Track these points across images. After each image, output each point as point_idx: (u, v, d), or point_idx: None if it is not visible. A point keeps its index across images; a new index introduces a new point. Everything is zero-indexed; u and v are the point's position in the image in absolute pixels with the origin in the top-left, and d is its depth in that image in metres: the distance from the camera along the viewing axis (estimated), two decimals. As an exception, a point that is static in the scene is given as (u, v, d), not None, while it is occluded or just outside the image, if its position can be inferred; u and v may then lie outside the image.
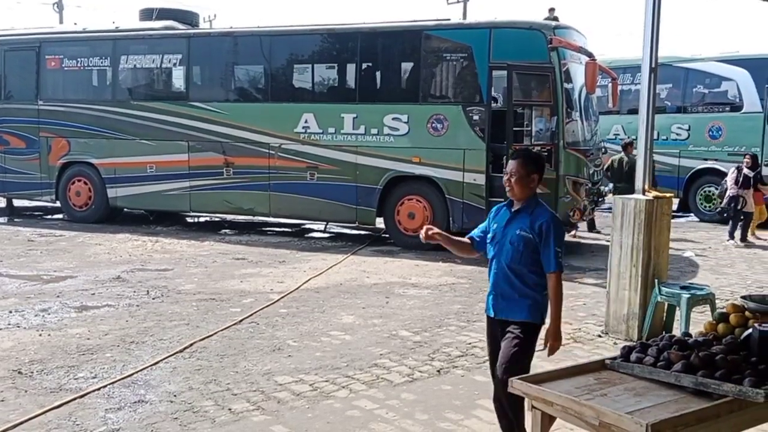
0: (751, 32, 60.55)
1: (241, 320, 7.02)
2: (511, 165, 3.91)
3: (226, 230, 13.41)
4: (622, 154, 12.77)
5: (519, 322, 3.85)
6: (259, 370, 5.60)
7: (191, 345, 6.21)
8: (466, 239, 4.21)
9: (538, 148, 10.45)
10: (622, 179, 12.10)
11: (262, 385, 5.30)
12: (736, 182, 12.28)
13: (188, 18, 14.90)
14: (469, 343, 6.37)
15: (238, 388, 5.23)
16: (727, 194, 12.48)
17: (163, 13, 14.36)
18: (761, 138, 14.41)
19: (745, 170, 12.26)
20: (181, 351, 6.04)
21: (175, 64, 13.16)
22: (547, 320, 3.93)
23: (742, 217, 12.47)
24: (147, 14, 14.60)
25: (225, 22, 45.60)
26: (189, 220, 14.65)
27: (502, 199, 11.35)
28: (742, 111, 14.90)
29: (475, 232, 4.15)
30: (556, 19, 12.44)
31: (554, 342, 3.84)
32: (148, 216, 14.24)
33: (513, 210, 3.94)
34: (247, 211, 12.83)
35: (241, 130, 12.33)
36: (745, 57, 15.14)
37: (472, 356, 6.02)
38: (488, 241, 3.99)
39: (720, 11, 71.44)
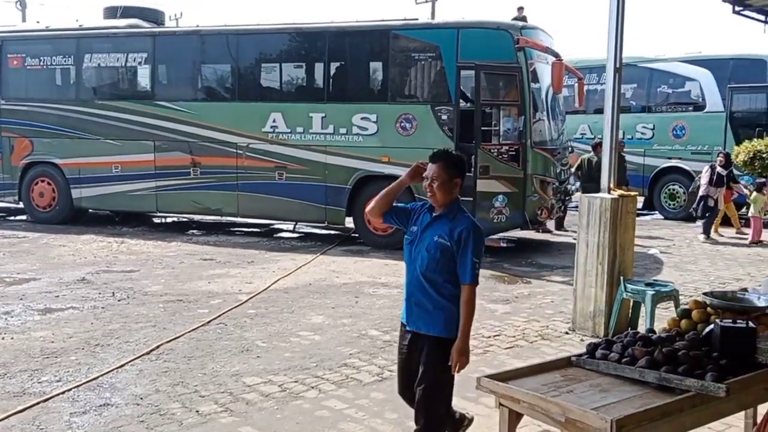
0: (713, 33, 61.77)
1: (208, 321, 6.96)
2: (431, 169, 3.62)
3: (194, 231, 13.28)
4: (592, 153, 12.94)
5: (433, 337, 3.60)
6: (227, 372, 5.56)
7: (158, 347, 6.13)
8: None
9: (507, 147, 10.55)
10: (592, 179, 12.25)
11: (231, 386, 5.26)
12: (710, 181, 12.45)
13: (153, 16, 14.71)
14: (439, 342, 6.38)
15: (206, 389, 5.18)
16: (700, 194, 12.65)
17: (128, 12, 14.16)
18: (723, 137, 14.69)
19: (719, 169, 12.44)
20: (147, 353, 5.97)
21: (140, 63, 12.99)
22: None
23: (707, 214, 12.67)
24: (111, 12, 14.39)
25: (191, 21, 45.16)
26: (156, 220, 14.48)
27: (471, 199, 11.47)
28: (705, 110, 15.20)
29: (399, 204, 3.88)
30: (524, 18, 12.56)
31: (460, 358, 3.50)
32: (114, 217, 14.03)
33: (434, 215, 3.68)
34: (214, 211, 12.72)
35: (209, 129, 12.22)
36: (708, 57, 15.46)
37: (441, 355, 6.04)
38: (406, 242, 3.75)
39: (683, 12, 72.76)
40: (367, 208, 3.96)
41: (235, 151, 12.05)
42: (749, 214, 12.78)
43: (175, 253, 10.80)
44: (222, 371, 5.57)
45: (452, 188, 3.62)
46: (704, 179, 12.58)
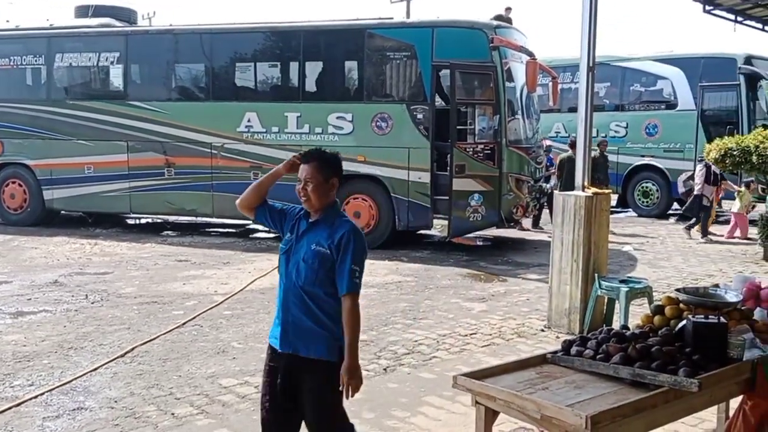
0: (685, 32, 62.62)
1: (184, 323, 6.89)
2: (304, 171, 3.26)
3: (168, 232, 13.16)
4: (570, 152, 13.06)
5: (315, 360, 3.15)
6: (202, 374, 5.51)
7: (132, 349, 6.07)
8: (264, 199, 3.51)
9: (482, 146, 10.60)
10: (574, 177, 12.35)
11: (206, 388, 5.21)
12: (707, 180, 12.55)
13: (126, 15, 14.57)
14: (416, 341, 6.40)
15: (182, 392, 5.14)
16: (695, 192, 12.74)
17: (100, 10, 14.02)
18: (695, 135, 14.90)
19: (714, 167, 12.50)
20: (122, 356, 5.90)
21: (112, 63, 12.85)
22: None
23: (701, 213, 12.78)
24: (83, 11, 14.23)
25: (165, 20, 44.74)
26: (129, 221, 14.33)
27: (447, 197, 11.49)
28: (677, 109, 15.40)
29: (276, 204, 3.50)
30: (509, 19, 12.60)
31: (350, 380, 3.09)
32: (87, 218, 13.86)
33: (310, 221, 3.30)
34: (189, 211, 12.62)
35: (183, 129, 12.12)
36: (679, 56, 15.66)
37: (418, 354, 6.05)
38: (281, 251, 3.34)
39: (655, 12, 73.63)
40: (237, 200, 3.56)
41: (209, 151, 11.97)
42: (732, 211, 12.95)
43: (150, 254, 10.69)
44: (198, 373, 5.53)
45: (328, 190, 3.27)
46: (699, 178, 12.63)
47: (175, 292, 8.27)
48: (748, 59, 14.59)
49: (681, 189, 13.06)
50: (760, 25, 10.93)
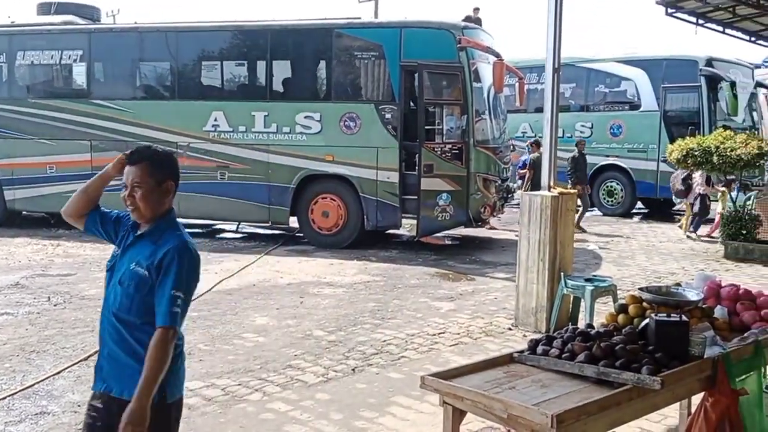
0: (649, 34, 63.59)
1: (149, 325, 6.80)
2: (131, 174, 2.74)
3: (134, 232, 12.96)
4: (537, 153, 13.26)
5: (129, 402, 2.58)
6: (169, 376, 5.44)
7: (96, 353, 5.96)
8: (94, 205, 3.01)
9: (450, 145, 10.65)
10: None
11: (173, 391, 5.15)
12: (707, 182, 12.71)
13: (89, 13, 14.35)
14: (384, 341, 6.41)
15: (147, 395, 5.07)
16: (695, 192, 12.87)
17: (63, 8, 13.78)
18: (658, 135, 15.15)
19: None
20: (85, 359, 5.80)
21: (75, 61, 12.65)
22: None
23: (695, 213, 12.95)
24: (45, 9, 13.98)
25: (129, 18, 44.14)
26: (94, 222, 14.07)
27: (415, 197, 11.49)
28: (641, 109, 15.63)
29: (111, 212, 3.01)
30: (478, 20, 12.66)
31: (129, 426, 2.50)
32: (49, 219, 13.59)
33: (137, 234, 2.81)
34: (155, 212, 12.43)
35: (147, 128, 11.97)
36: (642, 58, 15.90)
37: (386, 353, 6.06)
38: (106, 268, 2.86)
39: (619, 13, 74.65)
40: (63, 208, 3.04)
41: (175, 150, 11.81)
42: (717, 211, 13.12)
43: (114, 255, 10.51)
44: (163, 376, 5.45)
45: (162, 197, 2.77)
46: (701, 178, 12.75)
47: (140, 293, 8.15)
48: (709, 61, 14.87)
49: (679, 187, 13.13)
50: (720, 28, 11.17)
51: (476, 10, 15.81)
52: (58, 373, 5.49)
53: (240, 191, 11.61)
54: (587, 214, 14.19)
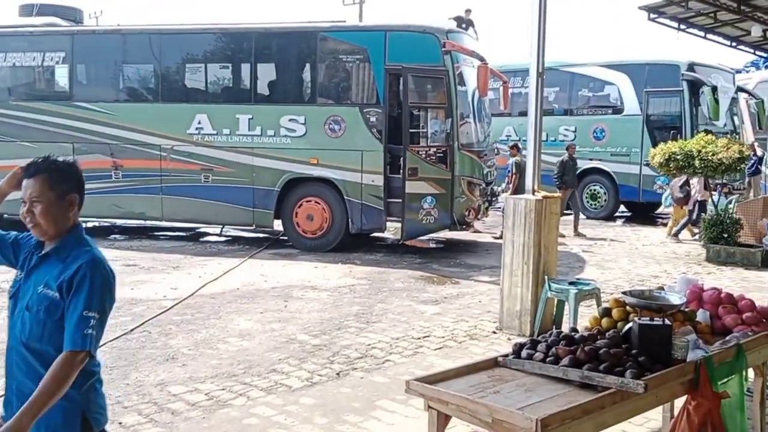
0: (632, 38, 64.08)
1: (132, 330, 6.75)
2: (28, 188, 2.48)
3: (116, 235, 12.88)
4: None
5: None
6: (151, 381, 5.40)
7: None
8: None
9: (434, 149, 10.67)
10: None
11: (155, 396, 5.11)
12: (705, 186, 12.76)
13: (71, 14, 14.23)
14: (369, 345, 6.39)
15: (129, 400, 5.03)
16: (694, 198, 12.92)
17: (45, 9, 13.66)
18: (640, 139, 15.27)
19: None
20: None
21: (57, 63, 12.56)
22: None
23: (689, 219, 13.02)
24: (27, 10, 13.84)
25: (112, 19, 43.85)
26: (76, 225, 13.95)
27: (400, 200, 11.52)
28: (623, 113, 15.75)
29: (8, 234, 2.73)
30: (470, 21, 12.67)
31: None
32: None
33: (41, 254, 2.55)
34: (138, 215, 12.38)
35: (131, 131, 11.89)
36: (625, 62, 16.01)
37: (371, 357, 6.05)
38: (9, 294, 2.59)
39: (603, 18, 75.22)
40: None
41: (158, 153, 11.77)
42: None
43: (97, 259, 10.43)
44: (146, 381, 5.42)
45: (65, 211, 2.52)
46: (698, 185, 12.78)
47: (122, 297, 8.09)
48: (691, 66, 15.01)
49: (678, 194, 13.15)
50: (702, 33, 11.27)
51: (468, 11, 15.86)
52: (39, 378, 5.42)
53: (224, 194, 11.56)
54: (570, 217, 14.18)
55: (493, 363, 3.48)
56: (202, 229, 13.60)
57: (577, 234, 13.39)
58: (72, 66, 12.47)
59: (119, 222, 13.84)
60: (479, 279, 9.46)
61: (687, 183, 12.96)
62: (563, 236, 13.11)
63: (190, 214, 11.99)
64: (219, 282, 8.97)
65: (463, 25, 17.93)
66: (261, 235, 12.97)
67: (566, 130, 16.23)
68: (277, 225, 11.81)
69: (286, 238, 11.91)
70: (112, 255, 10.68)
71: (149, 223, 13.50)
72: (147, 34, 12.27)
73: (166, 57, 12.10)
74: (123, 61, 12.48)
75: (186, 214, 12.04)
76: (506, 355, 3.50)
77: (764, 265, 10.46)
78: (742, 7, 9.59)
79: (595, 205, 16.05)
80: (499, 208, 12.77)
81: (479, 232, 13.44)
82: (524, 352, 3.44)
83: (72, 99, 12.32)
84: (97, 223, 14.05)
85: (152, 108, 12.07)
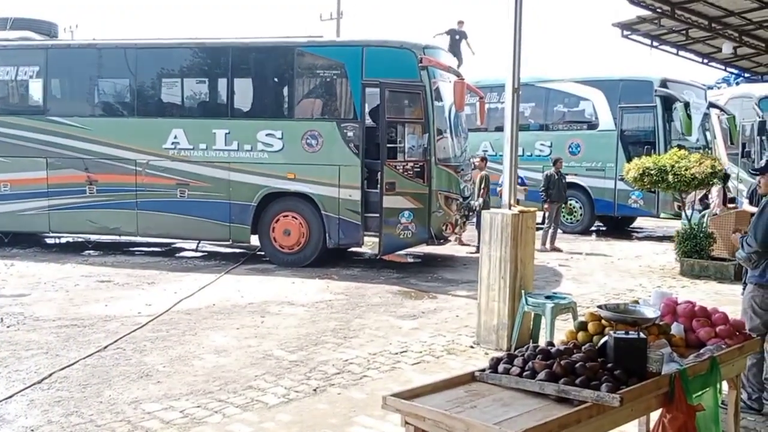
0: (606, 55, 64.99)
1: (105, 347, 6.65)
2: None
3: (90, 251, 12.72)
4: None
5: None
6: (125, 399, 5.32)
7: (50, 375, 5.81)
8: None
9: (412, 163, 10.70)
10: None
11: (129, 414, 5.03)
12: (724, 201, 12.82)
13: (46, 29, 14.11)
14: (346, 360, 6.36)
15: (102, 419, 4.94)
16: (712, 212, 12.96)
17: (19, 23, 13.51)
18: (615, 154, 15.44)
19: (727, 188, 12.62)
20: (38, 382, 5.64)
21: (32, 77, 12.44)
22: None
23: None
24: (1, 24, 13.67)
25: (87, 34, 43.47)
26: (49, 241, 13.78)
27: (377, 215, 11.58)
28: (598, 129, 15.92)
29: None
30: (463, 32, 12.67)
31: None
32: (3, 238, 13.24)
33: None
34: (112, 230, 12.24)
35: (105, 146, 11.79)
36: (600, 78, 16.21)
37: (348, 373, 6.01)
38: None
39: (578, 35, 76.23)
40: None
41: (134, 168, 11.67)
42: None
43: (70, 275, 10.30)
44: (120, 399, 5.33)
45: None
46: (718, 199, 12.82)
47: (96, 314, 7.98)
48: (664, 82, 15.24)
49: (698, 207, 13.16)
50: (674, 50, 11.46)
51: (461, 23, 15.97)
52: (11, 397, 5.31)
53: (200, 209, 11.48)
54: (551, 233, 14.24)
55: (470, 378, 3.48)
56: (177, 245, 13.48)
57: (553, 248, 13.48)
58: (46, 80, 12.37)
59: (93, 237, 13.68)
60: (457, 293, 9.46)
61: (706, 196, 13.04)
62: (559, 250, 13.23)
63: (166, 230, 11.89)
64: (195, 298, 8.88)
65: (457, 37, 18.16)
66: (238, 250, 12.88)
67: (542, 145, 16.39)
68: (254, 240, 11.74)
69: (263, 253, 11.85)
70: (86, 271, 10.59)
71: (124, 238, 13.37)
72: (122, 49, 12.21)
73: (142, 71, 12.03)
74: (98, 75, 12.39)
75: (161, 230, 11.93)
76: (483, 370, 3.50)
77: (737, 279, 10.56)
78: (713, 25, 9.78)
79: (571, 219, 16.17)
80: (474, 222, 12.84)
81: (465, 244, 13.50)
82: (501, 367, 3.45)
83: (46, 113, 12.20)
84: (71, 239, 13.88)
85: (127, 122, 11.98)
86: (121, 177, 11.71)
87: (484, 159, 13.50)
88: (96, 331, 7.26)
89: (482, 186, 12.77)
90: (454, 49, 18.06)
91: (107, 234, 12.77)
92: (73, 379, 5.75)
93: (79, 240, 13.81)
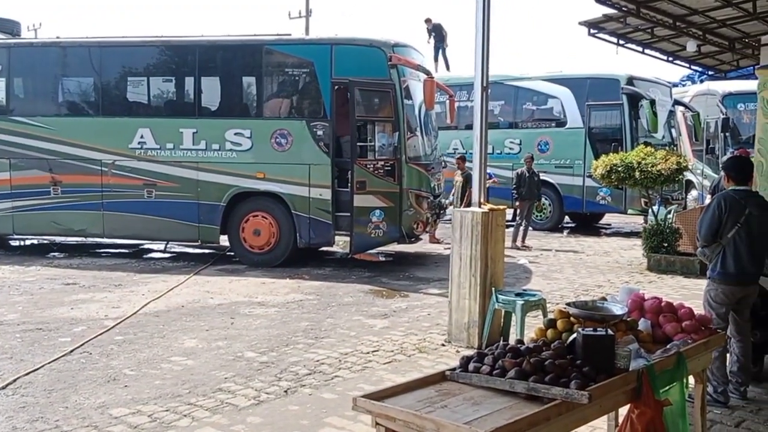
0: (574, 53, 65.66)
1: (71, 351, 6.54)
2: None
3: (55, 253, 12.49)
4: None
5: None
6: (91, 404, 5.23)
7: (15, 380, 5.69)
8: None
9: (382, 162, 10.69)
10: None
11: (96, 419, 4.94)
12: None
13: (9, 27, 13.85)
14: (317, 361, 6.33)
15: (69, 424, 4.85)
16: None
17: (-20, 22, 13.23)
18: (583, 151, 15.59)
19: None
20: (2, 388, 5.52)
21: (-7, 76, 12.16)
22: None
23: None
24: (-39, 23, 13.39)
25: (51, 32, 42.76)
26: (13, 243, 13.51)
27: (348, 214, 11.56)
28: (567, 126, 16.07)
29: None
30: (438, 26, 12.66)
31: None
32: (-35, 240, 12.97)
33: None
34: (78, 232, 12.04)
35: (70, 146, 11.59)
36: (567, 76, 16.37)
37: (319, 374, 5.98)
38: None
39: (546, 33, 76.84)
40: None
41: (99, 168, 11.49)
42: None
43: (35, 278, 10.11)
44: (86, 403, 5.24)
45: None
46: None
47: (62, 317, 7.84)
48: (630, 80, 15.43)
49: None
50: (640, 49, 11.56)
51: (428, 20, 16.13)
52: (-28, 404, 5.19)
53: (168, 210, 11.34)
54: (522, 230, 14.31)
55: (441, 377, 3.47)
56: (145, 246, 13.30)
57: (524, 246, 13.57)
58: (9, 79, 12.11)
59: (59, 239, 13.44)
60: (428, 292, 9.48)
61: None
62: (529, 248, 13.32)
63: (133, 231, 11.72)
64: (163, 300, 8.77)
65: (431, 30, 18.50)
66: (207, 251, 12.75)
67: (511, 143, 16.49)
68: (224, 240, 11.63)
69: (232, 253, 11.75)
70: (51, 273, 10.40)
71: (90, 240, 13.15)
72: (87, 47, 12.01)
73: (107, 70, 11.85)
74: (62, 74, 12.19)
75: (128, 231, 11.76)
76: (454, 369, 3.49)
77: (702, 273, 10.74)
78: (678, 24, 9.88)
79: (541, 216, 16.29)
80: (449, 220, 12.85)
81: (438, 241, 13.53)
82: (471, 365, 3.44)
83: (9, 113, 11.95)
84: (35, 241, 13.62)
85: (93, 122, 11.79)
86: (87, 177, 11.52)
87: (463, 159, 13.47)
88: (62, 334, 7.13)
89: (469, 187, 12.74)
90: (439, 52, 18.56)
91: (73, 236, 12.56)
92: (39, 384, 5.64)
93: (44, 242, 13.56)
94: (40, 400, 5.31)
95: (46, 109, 12.05)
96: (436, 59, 19.10)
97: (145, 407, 5.16)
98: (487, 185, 7.66)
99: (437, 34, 19.10)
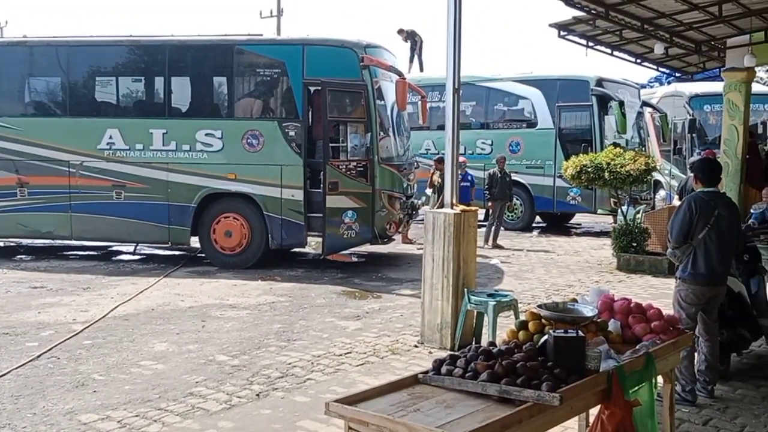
0: (545, 55, 66.22)
1: (38, 356, 6.42)
2: None
3: (22, 256, 12.25)
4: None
5: None
6: (60, 410, 5.14)
7: (-21, 388, 5.58)
8: None
9: (354, 163, 10.68)
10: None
11: (64, 425, 4.86)
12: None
13: (-27, 25, 13.55)
14: (289, 363, 6.30)
15: (36, 431, 4.76)
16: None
17: (-57, 19, 12.94)
18: (554, 152, 15.73)
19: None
20: (-35, 396, 5.41)
21: (-42, 75, 11.90)
22: None
23: None
24: None
25: (18, 30, 42.03)
26: (-22, 245, 13.25)
27: (320, 215, 11.51)
28: (537, 127, 16.19)
29: None
30: (413, 32, 12.68)
31: None
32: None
33: None
34: (45, 234, 11.83)
35: (37, 146, 11.39)
36: (538, 78, 16.50)
37: (292, 376, 5.95)
38: None
39: (517, 35, 77.39)
40: None
41: (67, 169, 11.31)
42: None
43: (0, 281, 9.91)
44: (54, 409, 5.15)
45: None
46: None
47: (28, 321, 7.70)
48: (599, 81, 15.61)
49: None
50: (609, 51, 11.72)
51: (401, 31, 16.28)
52: (-65, 412, 5.08)
53: (138, 211, 11.20)
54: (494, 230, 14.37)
55: (414, 380, 3.48)
56: (114, 248, 13.13)
57: (495, 246, 13.65)
58: (-27, 79, 11.87)
59: (25, 242, 13.20)
60: (401, 293, 9.48)
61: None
62: (501, 247, 13.41)
63: (102, 233, 11.55)
64: (132, 303, 8.66)
65: (406, 38, 18.64)
66: (177, 252, 12.62)
67: (483, 143, 16.57)
68: (194, 242, 11.53)
69: (203, 255, 11.64)
70: (17, 277, 10.21)
71: (58, 242, 12.92)
72: (54, 46, 11.81)
73: (75, 69, 11.67)
74: (29, 73, 11.99)
75: (97, 233, 11.59)
76: (426, 372, 3.50)
77: (670, 273, 10.89)
78: (646, 26, 10.03)
79: (512, 216, 16.39)
80: (421, 221, 12.88)
81: (410, 241, 13.54)
82: (444, 368, 3.45)
83: (-27, 113, 11.71)
84: (1, 244, 13.37)
85: (60, 122, 11.60)
86: (54, 179, 11.33)
87: (441, 161, 13.47)
88: (29, 339, 7.00)
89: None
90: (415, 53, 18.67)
91: (40, 238, 12.34)
92: (5, 390, 5.53)
93: (11, 244, 13.31)
94: (7, 406, 5.21)
95: (12, 109, 11.82)
96: (411, 60, 19.15)
97: (114, 413, 5.09)
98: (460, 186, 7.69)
99: (412, 40, 19.20)
